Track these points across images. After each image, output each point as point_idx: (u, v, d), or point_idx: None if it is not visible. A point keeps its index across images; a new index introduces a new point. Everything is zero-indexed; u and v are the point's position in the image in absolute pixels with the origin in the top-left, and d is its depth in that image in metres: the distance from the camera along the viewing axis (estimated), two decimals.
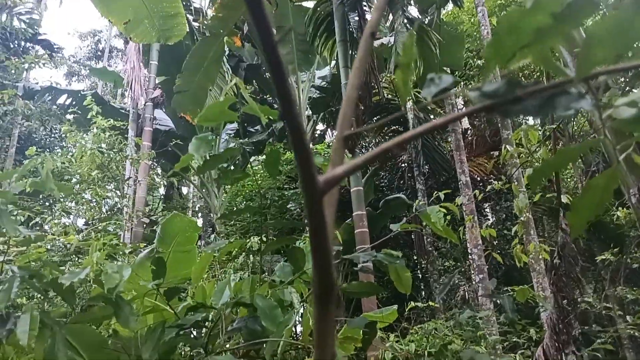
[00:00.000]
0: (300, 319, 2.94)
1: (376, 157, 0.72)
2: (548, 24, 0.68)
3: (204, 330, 2.68)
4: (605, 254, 5.90)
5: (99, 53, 24.13)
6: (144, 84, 10.10)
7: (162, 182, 12.02)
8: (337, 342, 2.63)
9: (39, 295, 4.66)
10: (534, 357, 4.54)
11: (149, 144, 9.53)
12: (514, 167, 6.24)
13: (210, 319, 2.49)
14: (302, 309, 2.48)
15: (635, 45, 0.62)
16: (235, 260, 7.40)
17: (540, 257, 5.54)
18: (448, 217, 4.08)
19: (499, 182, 4.55)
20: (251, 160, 11.88)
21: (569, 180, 10.35)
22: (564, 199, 4.14)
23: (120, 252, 5.26)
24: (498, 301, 5.70)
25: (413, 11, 8.53)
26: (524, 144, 4.10)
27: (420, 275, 11.21)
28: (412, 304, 5.31)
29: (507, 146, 4.35)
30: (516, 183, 5.45)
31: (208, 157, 2.21)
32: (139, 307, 2.91)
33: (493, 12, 9.42)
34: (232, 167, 2.34)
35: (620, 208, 6.36)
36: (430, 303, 5.48)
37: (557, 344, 4.16)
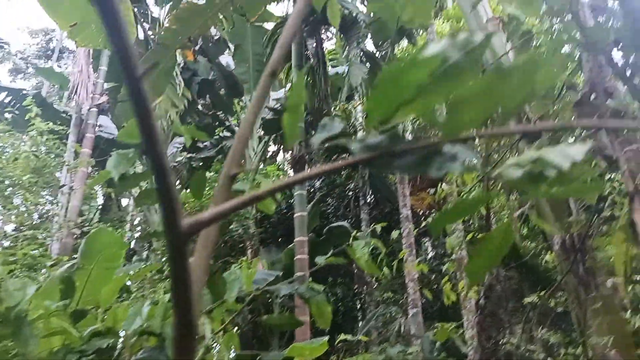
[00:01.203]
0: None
1: (248, 204, 0.68)
2: (428, 82, 0.67)
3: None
4: (532, 296, 6.10)
5: (49, 52, 23.20)
6: (90, 88, 9.73)
7: (98, 192, 11.53)
8: None
9: None
10: None
11: (88, 151, 9.14)
12: (451, 203, 6.38)
13: (117, 346, 2.35)
14: (215, 340, 2.38)
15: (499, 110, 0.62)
16: (168, 279, 7.13)
17: (469, 296, 5.65)
18: (383, 250, 4.08)
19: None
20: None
21: (506, 218, 10.73)
22: None
23: (41, 265, 4.95)
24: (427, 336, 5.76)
25: (369, 45, 8.74)
26: (460, 183, 4.21)
27: (359, 306, 11.21)
28: (343, 335, 5.27)
29: (444, 185, 4.46)
30: None
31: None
32: (45, 328, 2.72)
33: None
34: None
35: (549, 252, 6.62)
36: (361, 337, 5.45)
37: None
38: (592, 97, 3.17)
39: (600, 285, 3.83)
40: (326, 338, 4.02)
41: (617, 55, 3.08)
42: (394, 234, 4.32)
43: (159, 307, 2.39)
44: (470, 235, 4.60)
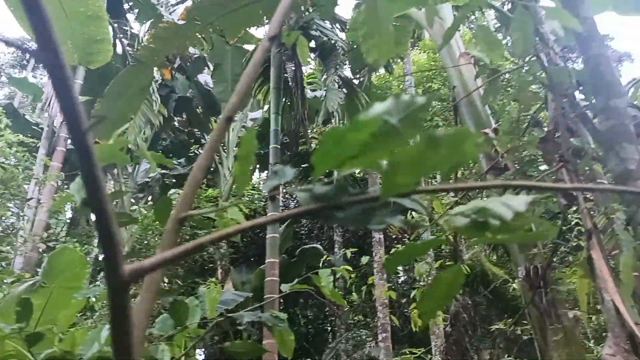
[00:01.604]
0: None
1: (193, 251, 0.69)
2: (370, 141, 0.70)
3: None
4: (499, 323, 6.17)
5: (24, 62, 22.82)
6: None
7: (67, 206, 11.29)
8: None
9: None
10: None
11: (59, 165, 8.95)
12: (423, 229, 6.46)
13: None
14: None
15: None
16: (134, 298, 6.97)
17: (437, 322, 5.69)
18: (349, 279, 4.09)
19: (401, 246, 4.69)
20: (170, 193, 11.49)
21: (475, 246, 10.88)
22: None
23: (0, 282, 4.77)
24: None
25: (347, 71, 8.87)
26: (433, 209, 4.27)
27: (329, 328, 11.14)
28: None
29: (413, 212, 4.52)
30: None
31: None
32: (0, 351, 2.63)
33: (420, 82, 10.03)
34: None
35: (516, 280, 6.72)
36: None
37: None
38: (557, 135, 3.27)
39: (562, 317, 3.90)
40: None
41: (580, 96, 3.21)
42: (364, 259, 4.34)
43: None
44: (438, 264, 4.65)
